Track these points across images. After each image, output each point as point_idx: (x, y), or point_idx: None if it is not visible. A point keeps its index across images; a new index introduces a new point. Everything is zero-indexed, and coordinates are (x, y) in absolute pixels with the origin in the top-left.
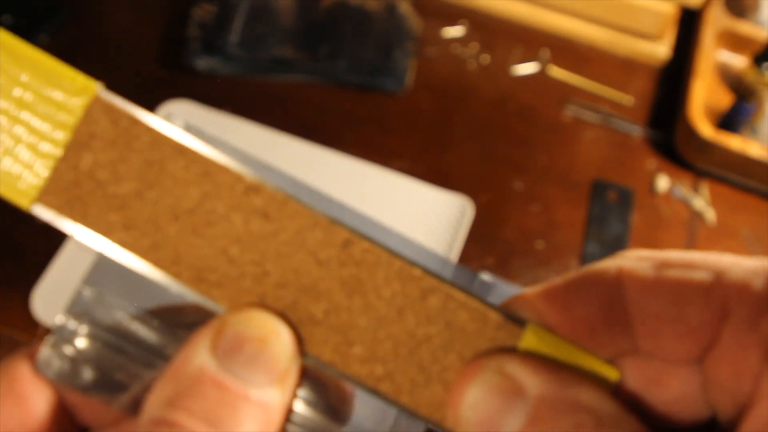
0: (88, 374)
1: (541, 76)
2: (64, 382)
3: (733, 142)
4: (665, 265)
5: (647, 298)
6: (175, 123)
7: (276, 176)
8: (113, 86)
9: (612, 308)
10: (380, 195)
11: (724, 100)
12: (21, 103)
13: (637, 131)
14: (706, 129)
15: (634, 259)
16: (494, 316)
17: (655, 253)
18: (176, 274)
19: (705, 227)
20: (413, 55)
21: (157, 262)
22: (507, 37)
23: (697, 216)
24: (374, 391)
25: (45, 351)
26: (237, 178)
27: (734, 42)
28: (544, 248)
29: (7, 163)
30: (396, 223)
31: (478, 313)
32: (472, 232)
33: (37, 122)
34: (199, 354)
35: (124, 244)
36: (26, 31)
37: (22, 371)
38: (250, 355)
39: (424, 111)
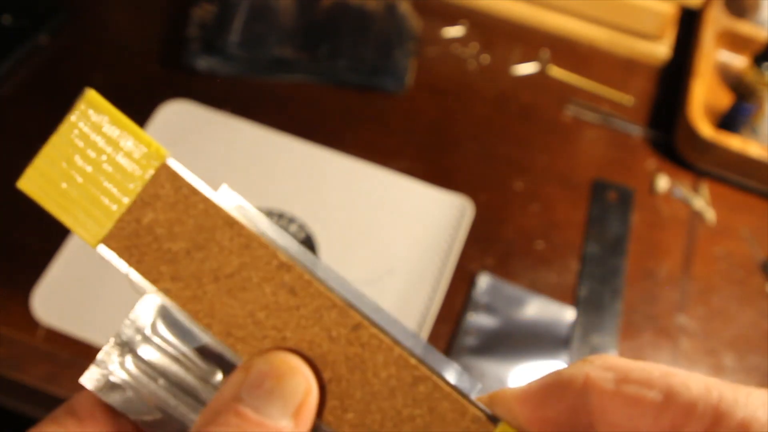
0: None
1: (541, 76)
2: (104, 394)
3: (733, 142)
4: (626, 380)
5: (608, 409)
6: (231, 199)
7: (307, 259)
8: (113, 86)
9: (577, 414)
10: (380, 195)
11: (724, 100)
12: (102, 159)
13: (637, 131)
14: (706, 129)
15: (600, 368)
16: (472, 411)
17: (619, 363)
18: (208, 326)
19: (705, 227)
20: (413, 55)
21: (193, 313)
22: (507, 37)
23: (697, 216)
24: None
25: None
26: (273, 254)
27: (734, 42)
28: (544, 248)
29: (87, 207)
30: (396, 223)
31: (458, 405)
32: (472, 232)
33: (114, 177)
34: (227, 390)
35: (167, 292)
36: (26, 31)
37: (84, 396)
38: (268, 389)
39: (424, 111)
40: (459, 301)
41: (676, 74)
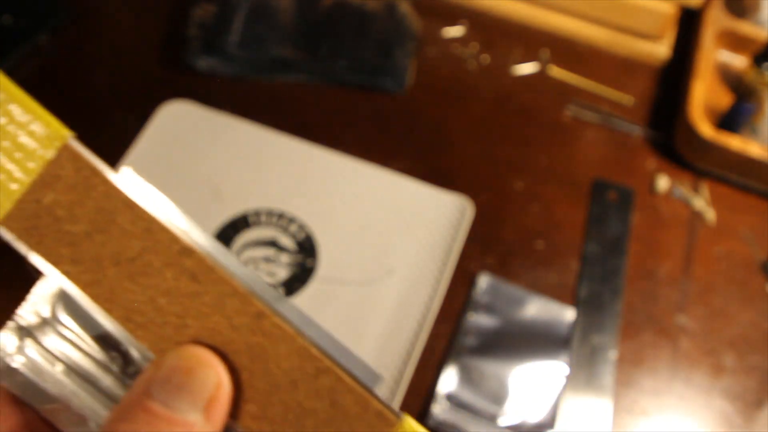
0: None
1: (541, 76)
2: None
3: (733, 142)
4: None
5: None
6: (134, 182)
7: (211, 245)
8: (113, 86)
9: None
10: (380, 195)
11: (724, 100)
12: (3, 139)
13: (637, 131)
14: (706, 129)
15: None
16: (375, 405)
17: None
18: (108, 310)
19: (705, 227)
20: (413, 55)
21: (93, 297)
22: (507, 37)
23: (697, 216)
24: None
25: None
26: (174, 239)
27: (734, 42)
28: (544, 248)
29: None
30: (396, 223)
31: (361, 399)
32: (472, 232)
33: (15, 156)
34: (138, 386)
35: (68, 274)
36: (26, 31)
37: None
38: (177, 384)
39: (424, 111)
40: (459, 301)
41: (676, 74)
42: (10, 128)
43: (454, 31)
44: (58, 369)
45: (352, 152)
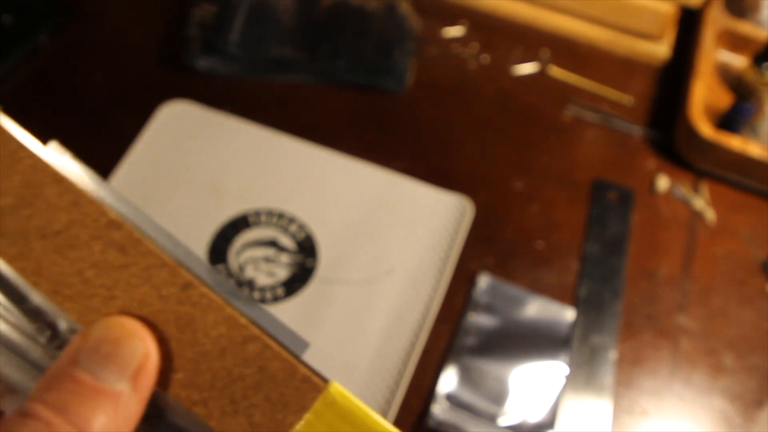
0: None
1: (541, 76)
2: None
3: (733, 142)
4: None
5: None
6: (60, 157)
7: (139, 217)
8: (113, 86)
9: None
10: (380, 195)
11: (724, 100)
12: None
13: (637, 131)
14: (706, 129)
15: None
16: (302, 370)
17: None
18: (35, 284)
19: (705, 227)
20: (413, 55)
21: (20, 270)
22: (507, 37)
23: (697, 216)
24: (188, 412)
25: None
26: (102, 212)
27: (734, 42)
28: (544, 248)
29: None
30: (396, 223)
31: (288, 365)
32: (472, 232)
33: None
34: (65, 356)
35: None
36: (26, 31)
37: None
38: (105, 354)
39: (424, 111)
40: (459, 301)
41: (676, 74)
42: None
43: (454, 31)
44: None
45: (352, 152)
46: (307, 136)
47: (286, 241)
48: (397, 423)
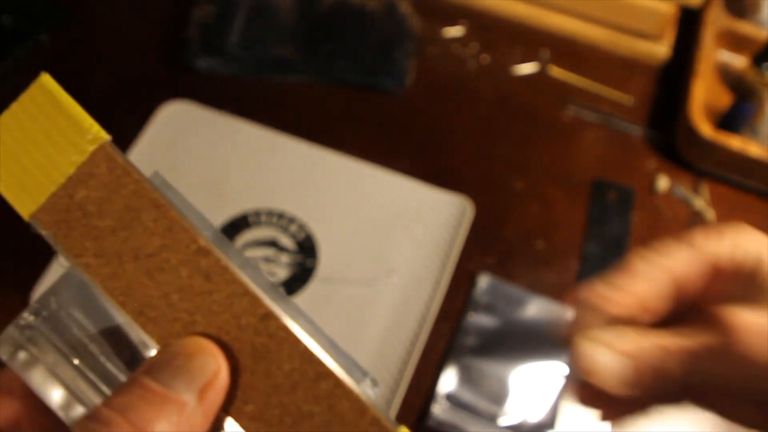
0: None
1: (541, 76)
2: (15, 367)
3: (733, 142)
4: None
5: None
6: (160, 183)
7: (227, 247)
8: (113, 86)
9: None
10: (380, 195)
11: (724, 100)
12: (46, 137)
13: (637, 131)
14: (706, 129)
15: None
16: (372, 413)
17: None
18: (122, 304)
19: (705, 227)
20: (413, 55)
21: (110, 290)
22: (507, 37)
23: (697, 216)
24: None
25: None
26: (193, 239)
27: (734, 42)
28: (544, 248)
29: (24, 180)
30: (396, 223)
31: (358, 405)
32: (472, 232)
33: (54, 154)
34: (141, 368)
35: (88, 267)
36: (26, 31)
37: (7, 374)
38: (177, 366)
39: (424, 111)
40: (459, 301)
41: (676, 74)
42: (52, 129)
43: (454, 31)
44: (73, 361)
45: (352, 152)
46: (307, 136)
47: (286, 241)
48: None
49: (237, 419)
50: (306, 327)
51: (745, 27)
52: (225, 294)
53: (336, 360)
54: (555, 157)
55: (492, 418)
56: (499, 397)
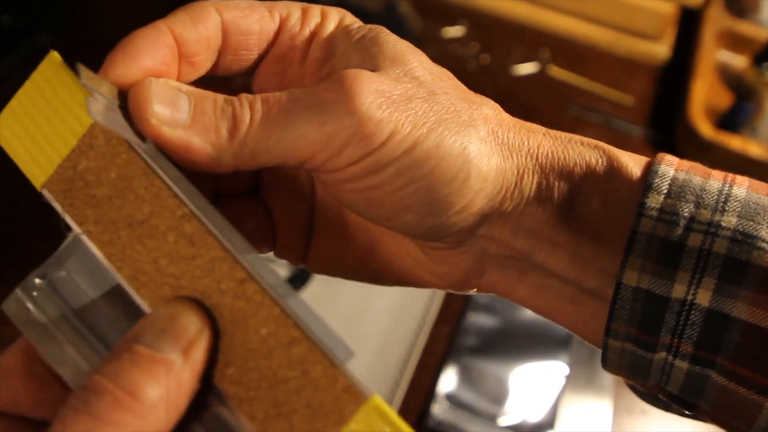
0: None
1: (541, 76)
2: (19, 323)
3: (733, 142)
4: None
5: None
6: (152, 152)
7: (210, 212)
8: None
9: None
10: None
11: (724, 100)
12: (53, 111)
13: (637, 131)
14: (706, 129)
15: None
16: (343, 380)
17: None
18: (119, 269)
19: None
20: None
21: (108, 255)
22: (507, 37)
23: None
24: (233, 411)
25: (15, 295)
26: (178, 205)
27: (734, 42)
28: None
29: (35, 151)
30: None
31: (330, 372)
32: None
33: (60, 127)
34: (129, 334)
35: (89, 234)
36: (26, 31)
37: (10, 354)
38: (160, 328)
39: None
40: (459, 302)
41: (676, 74)
42: (58, 104)
43: (454, 31)
44: (74, 322)
45: None
46: None
47: None
48: None
49: (219, 382)
50: (284, 292)
51: (745, 27)
52: (207, 259)
53: (311, 326)
54: None
55: (492, 418)
56: (499, 397)
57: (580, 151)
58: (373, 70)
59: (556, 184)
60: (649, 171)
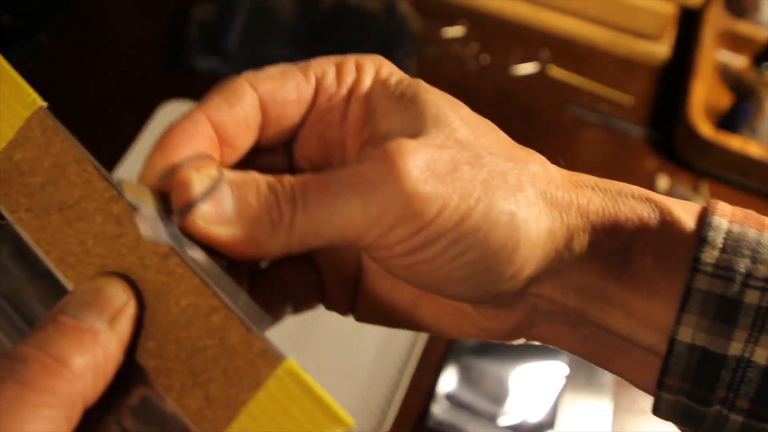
0: None
1: (541, 76)
2: None
3: (733, 142)
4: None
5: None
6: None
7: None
8: (113, 86)
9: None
10: None
11: (724, 100)
12: None
13: (637, 131)
14: (706, 129)
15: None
16: (259, 344)
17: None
18: (47, 253)
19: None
20: (413, 55)
21: (37, 241)
22: (507, 37)
23: None
24: (152, 384)
25: None
26: (107, 188)
27: (734, 42)
28: None
29: None
30: None
31: (246, 338)
32: None
33: None
34: (54, 308)
35: (20, 221)
36: (26, 31)
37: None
38: (86, 300)
39: None
40: None
41: (676, 74)
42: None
43: (454, 31)
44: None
45: None
46: None
47: None
48: (397, 423)
49: (139, 356)
50: (205, 265)
51: (745, 27)
52: (132, 237)
53: (230, 296)
54: (555, 157)
55: (492, 418)
56: (499, 397)
57: (632, 205)
58: (415, 134)
59: (608, 240)
60: (702, 223)
